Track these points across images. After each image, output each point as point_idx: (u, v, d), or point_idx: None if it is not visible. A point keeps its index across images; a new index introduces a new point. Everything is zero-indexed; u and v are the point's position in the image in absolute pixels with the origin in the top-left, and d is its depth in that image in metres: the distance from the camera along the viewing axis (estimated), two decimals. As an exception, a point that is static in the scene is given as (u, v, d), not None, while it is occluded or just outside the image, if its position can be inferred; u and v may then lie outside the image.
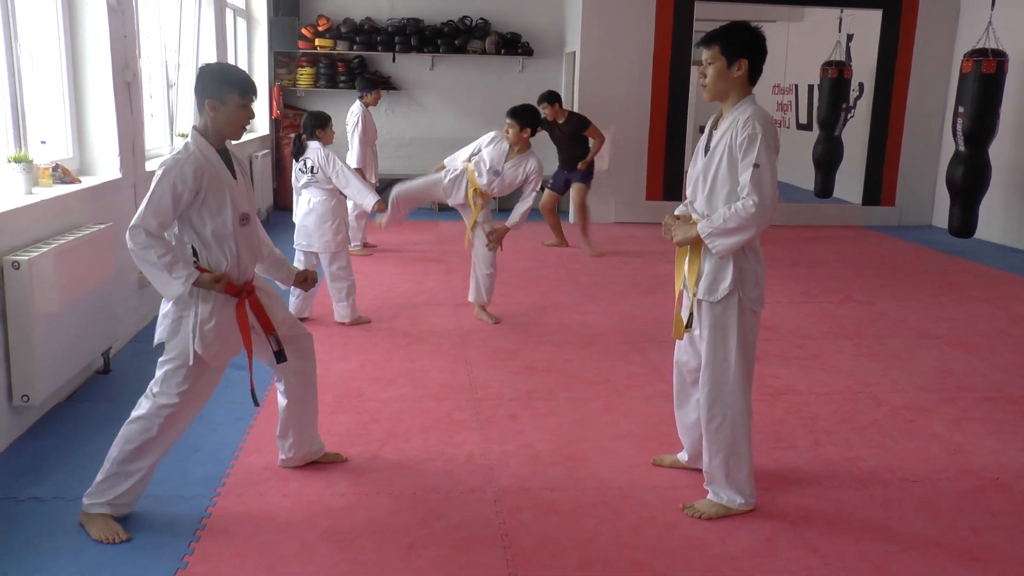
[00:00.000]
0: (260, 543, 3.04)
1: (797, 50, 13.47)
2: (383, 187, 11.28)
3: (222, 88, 3.02)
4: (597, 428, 4.16)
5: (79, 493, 3.34)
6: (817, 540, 3.16)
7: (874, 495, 3.52)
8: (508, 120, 5.65)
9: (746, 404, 3.30)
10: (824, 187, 11.05)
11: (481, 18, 11.14)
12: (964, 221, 8.66)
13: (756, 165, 3.06)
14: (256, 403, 3.34)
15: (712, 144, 3.23)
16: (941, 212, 10.24)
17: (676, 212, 3.43)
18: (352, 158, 8.02)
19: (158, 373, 3.14)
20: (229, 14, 8.96)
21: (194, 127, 3.09)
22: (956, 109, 8.49)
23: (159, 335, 3.15)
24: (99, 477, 3.12)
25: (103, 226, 4.60)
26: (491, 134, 5.84)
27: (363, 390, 4.58)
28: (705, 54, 3.21)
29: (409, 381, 4.74)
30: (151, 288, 5.64)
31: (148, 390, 3.14)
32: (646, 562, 3.00)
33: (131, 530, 3.10)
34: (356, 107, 8.27)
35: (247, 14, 10.26)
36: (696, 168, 3.32)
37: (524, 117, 5.65)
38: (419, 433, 4.03)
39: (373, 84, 8.50)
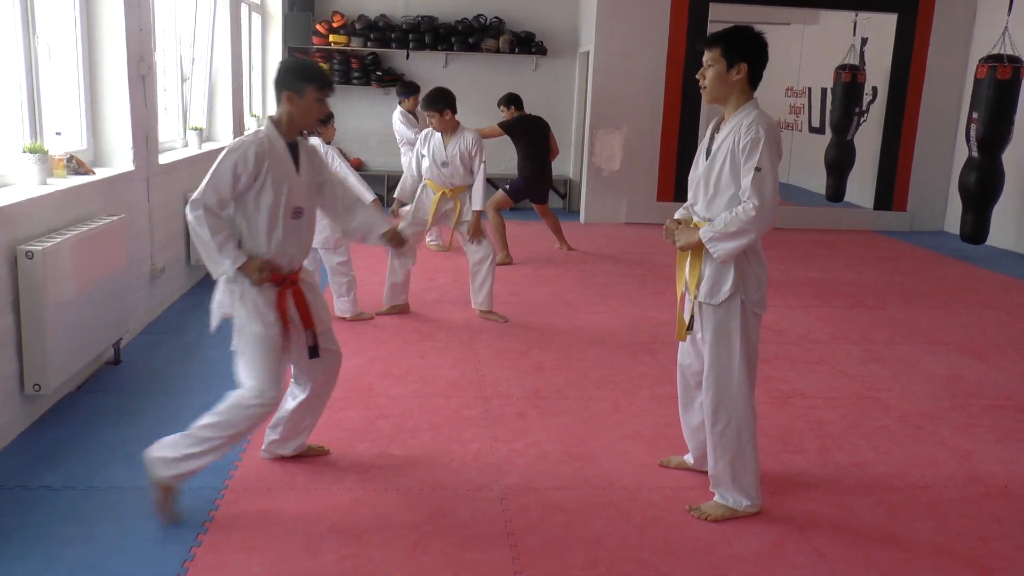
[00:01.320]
0: (267, 537, 3.05)
1: (811, 53, 13.43)
2: (394, 183, 11.30)
3: (301, 81, 3.15)
4: (605, 428, 4.16)
5: (90, 482, 3.37)
6: (824, 546, 3.16)
7: (881, 501, 3.52)
8: (427, 112, 5.84)
9: (750, 407, 3.30)
10: (836, 191, 11.03)
11: (496, 17, 11.14)
12: (976, 227, 8.63)
13: (758, 169, 3.06)
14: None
15: (714, 148, 3.23)
16: (953, 218, 10.20)
17: (676, 215, 3.44)
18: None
19: (239, 363, 3.21)
20: (244, 9, 8.98)
21: (270, 117, 3.22)
22: (970, 115, 8.46)
23: (216, 322, 3.27)
24: (188, 449, 3.12)
25: (116, 218, 4.62)
26: (420, 136, 6.07)
27: (373, 386, 4.59)
28: (706, 56, 3.21)
29: (418, 378, 4.75)
30: (162, 280, 5.71)
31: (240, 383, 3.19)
32: (652, 563, 3.00)
33: (139, 522, 3.13)
34: (397, 113, 8.60)
35: (262, 9, 10.29)
36: (697, 172, 3.31)
37: (436, 103, 5.82)
38: (427, 430, 4.04)
39: (414, 90, 8.54)
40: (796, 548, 3.13)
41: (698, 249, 3.23)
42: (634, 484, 3.58)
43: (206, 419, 3.15)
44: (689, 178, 3.40)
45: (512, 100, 8.41)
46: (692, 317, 3.34)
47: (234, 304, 3.18)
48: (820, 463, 3.86)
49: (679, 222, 3.36)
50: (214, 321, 3.28)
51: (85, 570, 2.81)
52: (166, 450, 3.14)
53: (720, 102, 3.24)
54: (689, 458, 3.72)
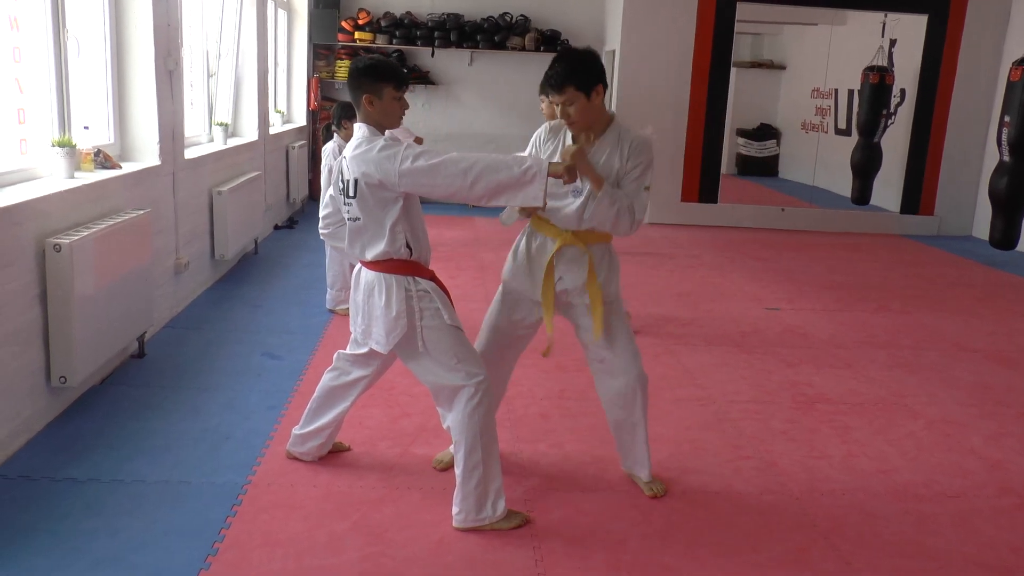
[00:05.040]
0: (290, 533, 3.05)
1: (838, 54, 13.29)
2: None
3: (377, 83, 3.07)
4: (628, 430, 4.13)
5: (114, 475, 3.39)
6: (850, 553, 3.11)
7: (909, 509, 3.47)
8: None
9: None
10: (862, 195, 10.91)
11: (521, 15, 11.13)
12: (1006, 232, 8.48)
13: (647, 188, 3.21)
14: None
15: (592, 162, 3.20)
16: (982, 223, 10.06)
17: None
18: None
19: (433, 373, 3.16)
20: (270, 5, 9.01)
21: (361, 123, 3.11)
22: (1002, 118, 8.31)
23: (389, 342, 3.13)
24: (478, 487, 3.10)
25: (142, 212, 4.64)
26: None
27: (395, 384, 4.58)
28: (559, 98, 3.15)
29: (440, 376, 4.73)
30: (187, 274, 5.74)
31: (458, 395, 3.12)
32: (675, 567, 2.97)
33: (162, 515, 3.13)
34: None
35: (288, 6, 10.32)
36: (562, 189, 3.21)
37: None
38: (449, 429, 4.02)
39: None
40: (822, 555, 3.09)
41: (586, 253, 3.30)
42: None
43: (459, 454, 3.12)
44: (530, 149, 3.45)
45: None
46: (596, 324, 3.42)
47: (413, 309, 3.10)
48: (845, 469, 3.81)
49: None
50: (391, 341, 3.13)
51: (109, 563, 2.82)
52: (470, 509, 3.11)
53: (591, 129, 3.24)
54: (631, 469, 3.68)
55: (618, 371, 3.40)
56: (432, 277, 3.19)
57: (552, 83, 3.15)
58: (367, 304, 3.17)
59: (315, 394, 3.56)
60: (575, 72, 3.13)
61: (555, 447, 3.89)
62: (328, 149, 5.95)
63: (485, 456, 3.10)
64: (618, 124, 3.26)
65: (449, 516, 3.19)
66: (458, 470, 3.12)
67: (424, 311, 3.11)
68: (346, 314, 5.81)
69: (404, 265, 3.10)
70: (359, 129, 3.11)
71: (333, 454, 3.67)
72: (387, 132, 3.16)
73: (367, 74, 3.08)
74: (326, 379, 3.52)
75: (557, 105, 3.19)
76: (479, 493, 3.10)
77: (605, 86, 3.21)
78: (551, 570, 2.91)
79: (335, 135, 5.89)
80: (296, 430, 3.60)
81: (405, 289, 3.09)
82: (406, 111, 3.23)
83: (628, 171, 3.20)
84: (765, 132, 15.77)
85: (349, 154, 3.07)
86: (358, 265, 3.23)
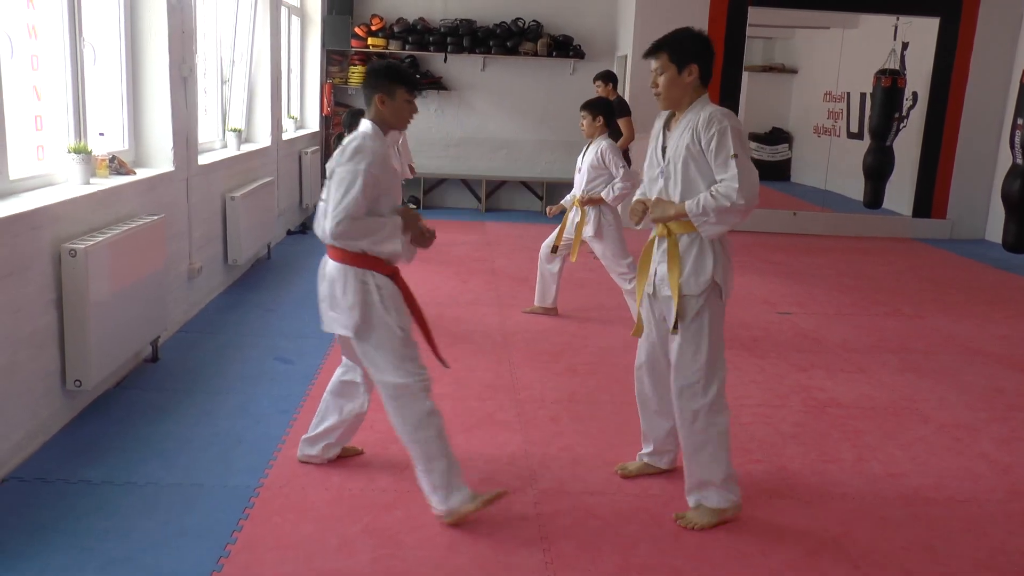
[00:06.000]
0: (301, 535, 3.08)
1: (850, 57, 13.27)
2: (431, 186, 11.39)
3: (392, 83, 3.21)
4: (638, 433, 4.12)
5: (128, 477, 3.42)
6: (860, 557, 3.11)
7: (919, 514, 3.46)
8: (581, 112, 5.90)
9: (720, 401, 3.25)
10: (874, 198, 10.88)
11: (534, 20, 11.15)
12: (1019, 236, 8.44)
13: (735, 155, 3.04)
14: (446, 366, 3.43)
15: (670, 147, 3.21)
16: (995, 226, 10.01)
17: (638, 194, 3.43)
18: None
19: (380, 361, 3.17)
20: (284, 12, 9.07)
21: (368, 119, 3.24)
22: (1015, 121, 8.29)
23: (351, 326, 3.17)
24: (438, 481, 3.17)
25: (156, 217, 4.69)
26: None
27: (405, 387, 4.60)
28: (653, 64, 3.20)
29: (452, 380, 4.74)
30: (200, 279, 5.79)
31: (390, 389, 3.17)
32: (686, 571, 2.98)
33: (175, 518, 3.17)
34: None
35: (301, 12, 10.38)
36: (654, 171, 3.29)
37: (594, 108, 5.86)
38: (461, 432, 4.04)
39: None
40: (832, 559, 3.09)
41: (674, 244, 3.20)
42: (667, 490, 3.55)
43: (412, 450, 3.19)
44: (644, 177, 3.40)
45: (611, 76, 8.37)
46: (676, 318, 3.23)
47: (369, 301, 3.14)
48: (856, 473, 3.81)
49: (644, 202, 3.32)
50: (350, 327, 3.17)
51: (122, 564, 2.85)
52: (440, 501, 3.17)
53: (675, 106, 3.23)
54: (647, 457, 3.68)
55: (674, 378, 3.31)
56: (393, 274, 3.22)
57: (650, 47, 3.21)
58: (329, 291, 3.22)
59: (324, 393, 3.61)
60: (673, 42, 3.17)
61: (565, 450, 3.91)
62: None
63: (441, 453, 3.15)
64: (701, 104, 3.18)
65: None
66: (418, 469, 3.19)
67: (375, 306, 3.15)
68: None
69: (361, 258, 3.15)
70: (363, 126, 3.22)
71: (344, 458, 3.70)
72: (390, 134, 3.25)
73: (383, 75, 3.23)
74: (334, 376, 3.59)
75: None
76: (443, 486, 3.15)
77: (702, 70, 3.16)
78: (561, 572, 2.92)
79: None
80: (306, 435, 3.63)
81: (361, 281, 3.14)
82: (415, 115, 3.34)
83: (706, 148, 3.09)
84: (777, 136, 15.75)
85: (345, 142, 3.17)
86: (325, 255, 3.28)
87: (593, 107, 5.83)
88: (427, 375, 3.20)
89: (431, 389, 3.21)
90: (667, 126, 3.29)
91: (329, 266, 3.23)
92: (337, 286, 3.18)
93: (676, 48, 3.16)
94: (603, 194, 5.78)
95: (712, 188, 3.09)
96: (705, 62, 3.18)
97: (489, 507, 3.20)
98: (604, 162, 5.77)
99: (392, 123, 3.27)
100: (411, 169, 7.50)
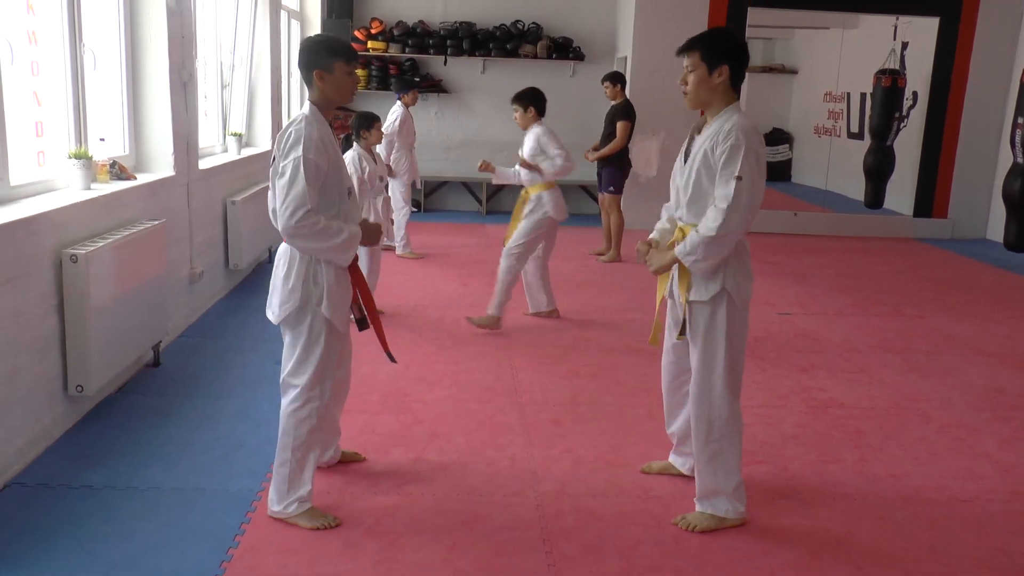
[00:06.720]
0: (303, 539, 3.08)
1: (850, 58, 13.27)
2: (431, 189, 11.39)
3: (328, 57, 3.06)
4: (640, 435, 4.14)
5: (130, 482, 3.43)
6: (861, 558, 3.11)
7: (921, 514, 3.46)
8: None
9: (733, 411, 3.23)
10: (875, 198, 10.87)
11: (533, 22, 11.16)
12: (1020, 235, 8.44)
13: (738, 178, 2.96)
14: (393, 360, 3.48)
15: (693, 152, 3.17)
16: (996, 225, 10.01)
17: (658, 226, 3.40)
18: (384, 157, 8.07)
19: (291, 359, 3.15)
20: (283, 16, 9.08)
21: (311, 101, 3.13)
22: (1015, 120, 8.29)
23: (281, 313, 3.10)
24: (283, 483, 3.18)
25: (157, 222, 4.69)
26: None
27: (407, 391, 4.61)
28: (685, 61, 3.15)
29: (453, 383, 4.76)
30: (201, 284, 5.79)
31: (284, 381, 3.18)
32: (688, 572, 2.98)
33: (177, 522, 3.17)
34: (397, 107, 8.39)
35: (301, 16, 10.40)
36: (676, 176, 3.27)
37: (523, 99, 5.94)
38: (462, 435, 4.05)
39: (409, 84, 8.68)
40: (834, 560, 3.09)
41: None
42: (669, 492, 3.56)
43: (279, 444, 3.19)
44: (670, 183, 3.36)
45: (619, 77, 8.45)
46: (684, 324, 3.25)
47: (308, 291, 3.06)
48: (858, 473, 3.81)
49: (650, 244, 3.32)
50: (281, 313, 3.10)
51: (124, 568, 2.86)
52: (273, 499, 3.19)
53: (703, 107, 3.18)
54: (673, 455, 3.69)
55: (692, 386, 3.29)
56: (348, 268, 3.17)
57: (684, 44, 3.16)
58: (273, 274, 3.16)
59: None
60: (707, 41, 3.13)
61: (567, 452, 3.91)
62: (348, 158, 5.97)
63: (295, 460, 3.16)
64: (730, 113, 3.10)
65: (462, 522, 3.22)
66: (276, 459, 3.20)
67: (315, 298, 3.08)
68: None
69: None
70: (303, 109, 3.11)
71: (345, 463, 3.70)
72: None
73: (316, 49, 3.08)
74: None
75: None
76: (282, 489, 3.16)
77: (735, 73, 3.10)
78: (563, 574, 2.92)
79: (355, 144, 5.91)
80: None
81: (307, 268, 3.06)
82: (357, 88, 3.22)
83: (717, 159, 3.02)
84: (777, 136, 15.75)
85: (281, 132, 3.08)
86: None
87: (522, 99, 5.91)
88: (327, 400, 3.19)
89: (324, 415, 3.21)
90: (699, 130, 3.22)
91: (280, 248, 3.14)
92: (280, 268, 3.09)
93: (709, 47, 3.10)
94: (544, 166, 5.81)
95: (700, 226, 3.05)
96: (737, 65, 3.11)
97: (481, 508, 3.18)
98: (540, 146, 5.84)
99: (335, 99, 3.11)
100: (389, 169, 7.47)
